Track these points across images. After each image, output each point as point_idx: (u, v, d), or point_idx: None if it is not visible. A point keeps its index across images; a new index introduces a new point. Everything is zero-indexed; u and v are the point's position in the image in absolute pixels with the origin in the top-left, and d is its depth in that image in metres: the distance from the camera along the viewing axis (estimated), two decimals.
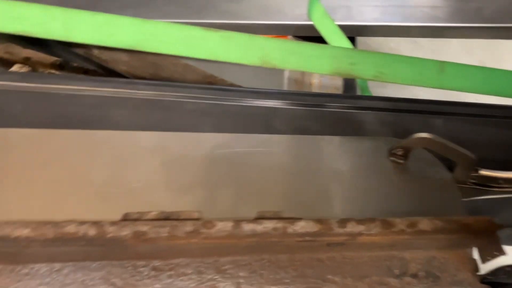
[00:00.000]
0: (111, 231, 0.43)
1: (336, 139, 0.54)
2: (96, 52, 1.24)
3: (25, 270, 0.50)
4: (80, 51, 1.19)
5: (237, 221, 0.45)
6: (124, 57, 1.21)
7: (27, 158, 0.47)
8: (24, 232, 0.42)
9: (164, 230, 0.44)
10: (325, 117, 0.55)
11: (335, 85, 0.82)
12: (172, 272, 0.51)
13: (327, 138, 0.54)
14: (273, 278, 0.51)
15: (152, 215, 0.45)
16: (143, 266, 0.51)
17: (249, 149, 0.50)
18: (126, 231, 0.43)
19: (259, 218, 0.46)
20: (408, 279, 0.52)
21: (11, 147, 0.48)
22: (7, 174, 0.46)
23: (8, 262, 0.48)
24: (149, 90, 0.54)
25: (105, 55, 1.21)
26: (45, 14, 0.48)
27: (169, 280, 0.51)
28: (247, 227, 0.45)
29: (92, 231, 0.43)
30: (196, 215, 0.45)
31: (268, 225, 0.45)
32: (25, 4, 0.48)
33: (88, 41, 0.50)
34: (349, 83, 0.84)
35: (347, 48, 0.55)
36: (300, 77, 0.85)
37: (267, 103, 0.54)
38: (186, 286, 0.50)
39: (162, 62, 1.18)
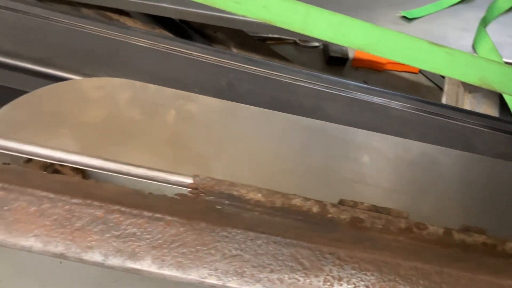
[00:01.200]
0: (332, 212, 0.46)
1: None
2: (234, 51, 1.32)
3: (224, 233, 0.54)
4: (219, 47, 1.28)
5: (448, 229, 0.46)
6: None
7: (252, 131, 0.52)
8: (257, 196, 0.46)
9: (379, 222, 0.46)
10: None
11: None
12: (356, 265, 0.53)
13: None
14: None
15: (364, 206, 0.48)
16: (330, 254, 0.54)
17: (451, 163, 0.52)
18: (345, 215, 0.46)
19: (467, 231, 0.47)
20: None
21: (240, 120, 0.53)
22: (238, 143, 0.51)
23: (212, 222, 0.53)
24: (359, 91, 0.58)
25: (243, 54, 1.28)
26: (289, 7, 0.53)
27: (353, 272, 0.53)
28: (458, 236, 0.46)
29: (315, 208, 0.46)
30: (405, 214, 0.48)
31: (478, 239, 0.46)
32: None
33: (321, 37, 0.54)
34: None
35: None
36: (454, 104, 0.86)
37: (467, 122, 0.56)
38: (368, 280, 0.52)
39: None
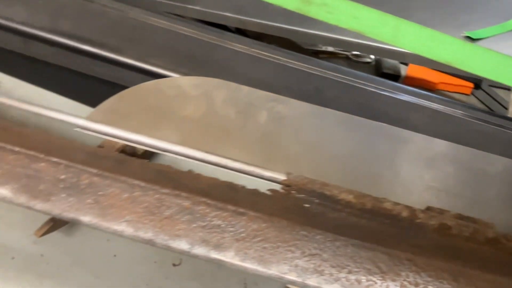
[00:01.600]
0: (420, 218, 0.47)
1: None
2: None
3: (304, 232, 0.56)
4: None
5: None
6: None
7: (339, 135, 0.54)
8: (348, 197, 0.48)
9: (467, 230, 0.47)
10: None
11: None
12: (432, 273, 0.54)
13: None
14: None
15: (451, 214, 0.49)
16: (407, 260, 0.55)
17: None
18: (433, 221, 0.47)
19: None
20: None
21: (327, 124, 0.55)
22: (325, 145, 0.54)
23: (293, 220, 0.55)
24: (440, 104, 0.59)
25: None
26: (379, 19, 0.55)
27: (429, 279, 0.54)
28: None
29: (405, 213, 0.48)
30: (491, 225, 0.48)
31: None
32: (365, 8, 0.56)
33: (410, 49, 0.56)
34: None
35: None
36: None
37: None
38: (443, 287, 0.53)
39: None
